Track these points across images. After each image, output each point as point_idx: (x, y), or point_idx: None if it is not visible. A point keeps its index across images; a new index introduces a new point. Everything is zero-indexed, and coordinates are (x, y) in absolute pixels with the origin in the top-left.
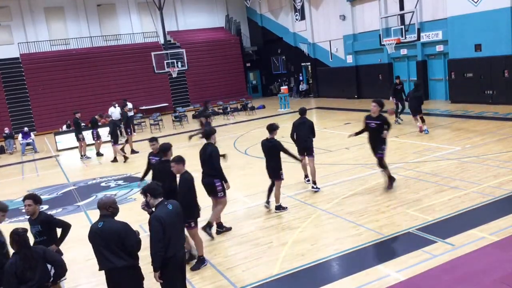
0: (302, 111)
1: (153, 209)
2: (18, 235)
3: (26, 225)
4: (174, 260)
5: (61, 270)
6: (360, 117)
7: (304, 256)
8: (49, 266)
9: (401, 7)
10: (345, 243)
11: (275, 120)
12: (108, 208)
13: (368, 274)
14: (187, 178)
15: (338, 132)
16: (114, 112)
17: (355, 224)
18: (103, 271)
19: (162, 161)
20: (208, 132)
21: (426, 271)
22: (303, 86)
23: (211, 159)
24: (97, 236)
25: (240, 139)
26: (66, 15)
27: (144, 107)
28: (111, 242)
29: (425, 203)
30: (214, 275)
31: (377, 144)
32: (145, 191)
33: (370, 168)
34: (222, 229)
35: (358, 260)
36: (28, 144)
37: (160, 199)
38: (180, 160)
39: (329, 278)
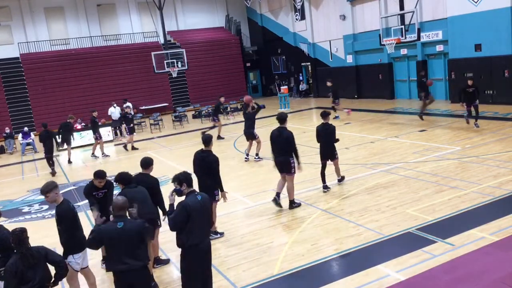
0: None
1: (184, 197)
2: (15, 235)
3: (26, 225)
4: (196, 249)
5: (63, 271)
6: (360, 117)
7: (304, 256)
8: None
9: (401, 7)
10: (345, 243)
11: (275, 120)
12: (127, 209)
13: (368, 274)
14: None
15: (338, 132)
16: (114, 112)
17: (355, 224)
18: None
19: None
20: (283, 117)
21: (426, 271)
22: (303, 86)
23: (288, 140)
24: (116, 237)
25: (240, 139)
26: (66, 15)
27: (144, 107)
28: (131, 242)
29: (425, 203)
30: (214, 275)
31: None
32: (181, 181)
33: (370, 168)
34: (294, 204)
35: (358, 260)
36: (28, 144)
37: (191, 189)
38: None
39: (329, 278)
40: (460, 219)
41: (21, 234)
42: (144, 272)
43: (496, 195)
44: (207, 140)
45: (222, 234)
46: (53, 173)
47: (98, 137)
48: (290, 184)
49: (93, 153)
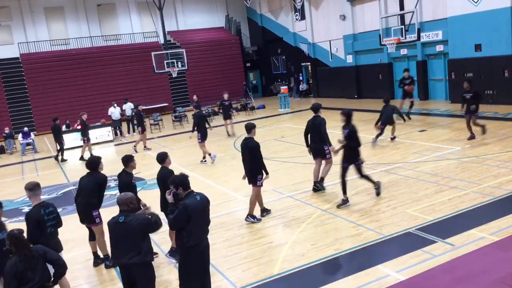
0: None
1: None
2: (14, 237)
3: (25, 225)
4: (196, 249)
5: (62, 269)
6: (360, 117)
7: (304, 256)
8: (49, 266)
9: (401, 7)
10: (345, 243)
11: (275, 120)
12: (129, 204)
13: (368, 274)
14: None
15: (338, 132)
16: (114, 112)
17: (355, 224)
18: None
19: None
20: (317, 107)
21: (426, 271)
22: (303, 86)
23: (320, 127)
24: (118, 229)
25: (240, 139)
26: (66, 15)
27: (144, 107)
28: (134, 236)
29: (425, 203)
30: (214, 275)
31: None
32: (177, 185)
33: (370, 168)
34: (322, 183)
35: (358, 260)
36: (28, 144)
37: (189, 190)
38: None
39: (329, 278)
40: (460, 219)
41: (21, 235)
42: (145, 268)
43: (496, 195)
44: (248, 127)
45: (260, 219)
46: (55, 157)
47: (142, 130)
48: (328, 167)
49: (134, 146)
